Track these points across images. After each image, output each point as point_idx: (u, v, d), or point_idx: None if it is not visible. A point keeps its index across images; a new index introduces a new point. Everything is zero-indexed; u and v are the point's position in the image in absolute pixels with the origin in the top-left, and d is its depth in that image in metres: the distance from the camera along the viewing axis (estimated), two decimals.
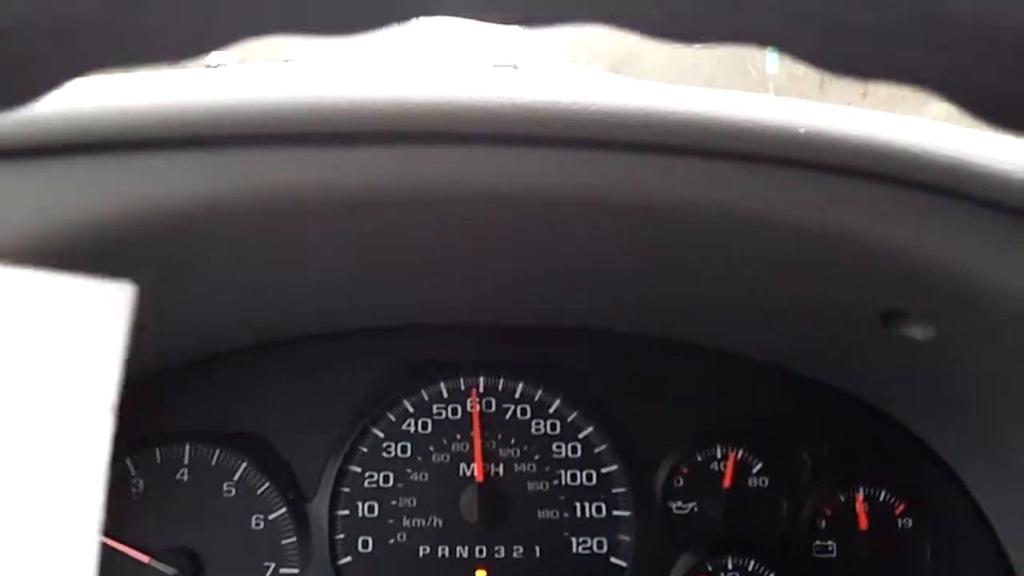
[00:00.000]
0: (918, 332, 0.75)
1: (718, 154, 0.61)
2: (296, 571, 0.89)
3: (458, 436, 0.92)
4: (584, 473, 0.92)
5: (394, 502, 0.91)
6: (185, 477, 0.90)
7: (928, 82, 0.30)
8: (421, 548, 0.90)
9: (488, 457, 0.91)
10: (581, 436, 0.93)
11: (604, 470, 0.92)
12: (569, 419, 0.93)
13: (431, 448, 0.92)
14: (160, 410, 0.91)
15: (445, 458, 0.92)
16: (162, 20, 0.27)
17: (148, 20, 0.27)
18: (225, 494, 0.90)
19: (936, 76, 0.30)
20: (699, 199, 0.63)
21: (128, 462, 0.90)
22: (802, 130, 0.62)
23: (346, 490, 0.90)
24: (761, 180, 0.63)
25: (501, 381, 0.93)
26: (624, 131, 0.61)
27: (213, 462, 0.90)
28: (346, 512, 0.90)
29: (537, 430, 0.93)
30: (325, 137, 0.61)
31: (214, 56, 0.47)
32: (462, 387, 0.93)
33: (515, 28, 0.30)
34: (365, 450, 0.91)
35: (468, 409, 0.92)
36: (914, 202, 0.64)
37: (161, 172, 0.60)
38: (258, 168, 0.60)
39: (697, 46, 0.30)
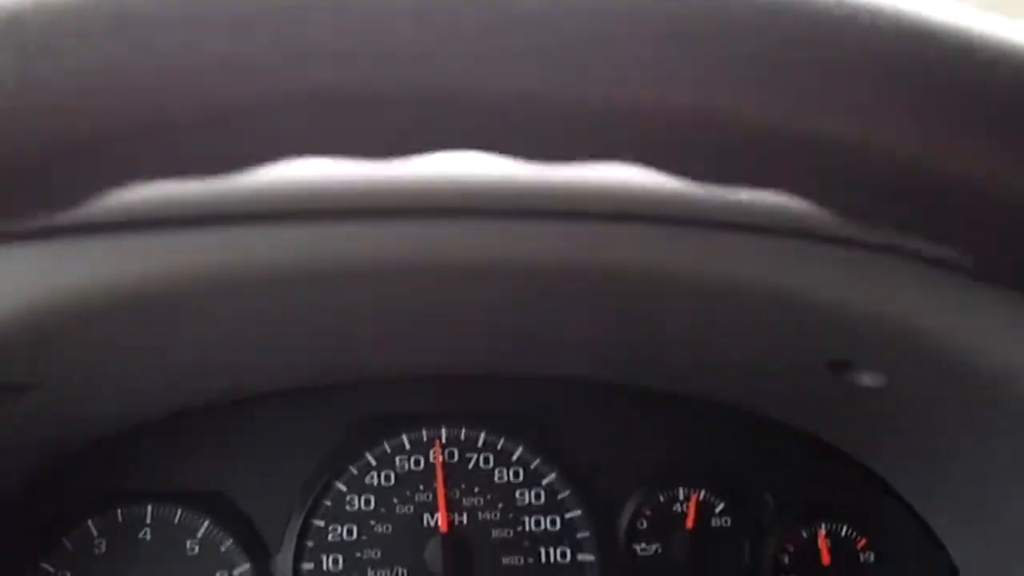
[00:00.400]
0: (867, 379, 0.76)
1: (647, 219, 0.62)
2: None
3: (421, 487, 0.92)
4: (548, 519, 0.92)
5: (359, 554, 0.91)
6: (148, 536, 0.90)
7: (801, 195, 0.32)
8: None
9: (452, 507, 0.92)
10: (544, 483, 0.93)
11: (568, 515, 0.93)
12: (532, 466, 0.93)
13: (395, 500, 0.92)
14: (121, 470, 0.91)
15: (409, 509, 0.92)
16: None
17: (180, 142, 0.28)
18: (189, 552, 0.90)
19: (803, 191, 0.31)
20: (629, 262, 0.64)
21: (90, 523, 0.90)
22: (743, 195, 0.63)
23: (310, 544, 0.90)
24: (697, 243, 0.64)
25: (463, 431, 0.94)
26: (559, 201, 0.62)
27: (176, 520, 0.90)
28: (311, 566, 0.90)
29: (500, 478, 0.93)
30: (277, 214, 0.61)
31: None
32: (424, 438, 0.93)
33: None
34: (328, 504, 0.91)
35: (431, 460, 0.93)
36: (850, 258, 0.65)
37: (99, 256, 0.60)
38: (209, 247, 0.61)
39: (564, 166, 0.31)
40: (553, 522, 0.93)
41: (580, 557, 0.92)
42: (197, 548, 0.90)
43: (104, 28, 0.25)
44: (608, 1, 0.26)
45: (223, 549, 0.90)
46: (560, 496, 0.93)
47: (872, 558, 0.93)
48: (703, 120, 0.28)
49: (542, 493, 0.93)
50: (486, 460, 0.93)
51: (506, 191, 0.62)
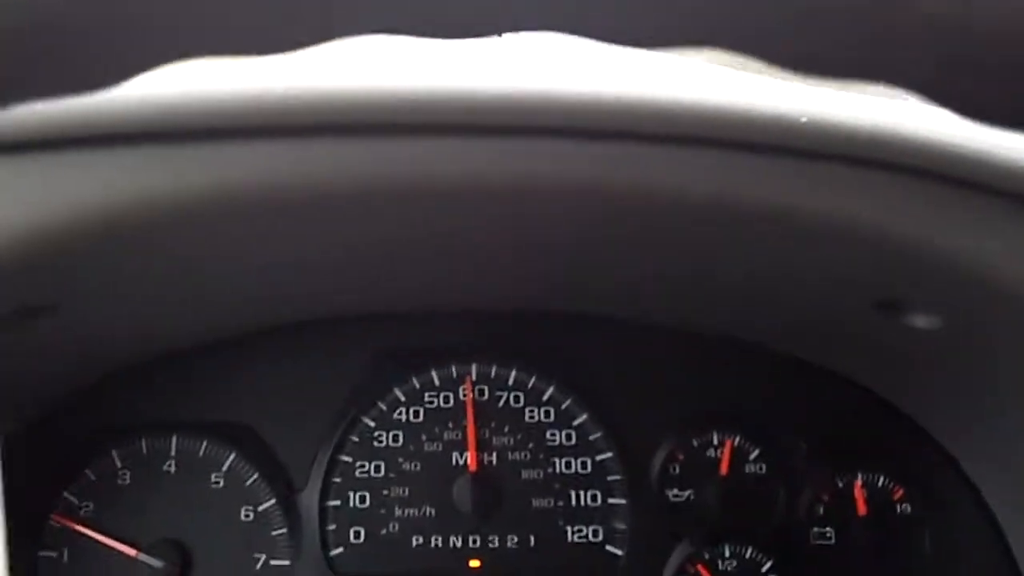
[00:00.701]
0: (922, 321, 0.73)
1: (709, 142, 0.59)
2: (287, 563, 0.88)
3: (450, 425, 0.90)
4: (579, 461, 0.91)
5: (386, 492, 0.89)
6: (172, 469, 0.89)
7: (907, 84, 0.29)
8: (414, 538, 0.89)
9: (481, 446, 0.90)
10: (575, 424, 0.91)
11: (599, 458, 0.91)
12: (563, 407, 0.91)
13: (423, 437, 0.90)
14: (146, 400, 0.90)
15: (437, 447, 0.90)
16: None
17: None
18: (213, 485, 0.89)
19: (913, 78, 0.29)
20: (691, 188, 0.61)
21: (114, 454, 0.88)
22: (803, 119, 0.60)
23: (337, 480, 0.89)
24: (754, 168, 0.61)
25: (494, 369, 0.92)
26: (610, 120, 0.59)
27: (201, 453, 0.89)
28: (337, 503, 0.89)
29: (531, 418, 0.91)
30: (305, 129, 0.59)
31: None
32: (454, 375, 0.91)
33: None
34: (356, 439, 0.90)
35: (461, 397, 0.91)
36: (914, 190, 0.62)
37: (149, 166, 0.58)
38: (238, 163, 0.58)
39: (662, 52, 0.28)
40: (584, 464, 0.91)
41: (611, 500, 0.90)
42: (222, 481, 0.89)
43: None
44: None
45: (248, 483, 0.89)
46: (592, 437, 0.91)
47: (909, 509, 0.91)
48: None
49: (573, 434, 0.91)
50: (516, 399, 0.91)
51: (546, 106, 0.59)
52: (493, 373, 0.92)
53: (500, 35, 0.28)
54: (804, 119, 0.60)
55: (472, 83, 0.59)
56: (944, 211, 0.62)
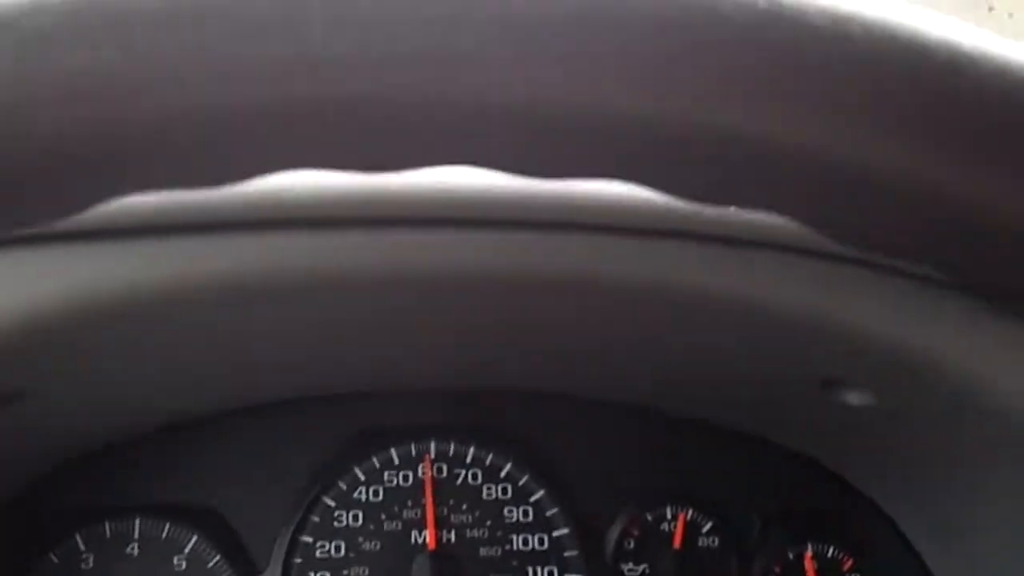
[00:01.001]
0: (855, 398, 0.76)
1: (638, 232, 0.63)
2: None
3: (409, 503, 0.92)
4: (536, 537, 0.92)
5: (346, 572, 0.90)
6: (135, 551, 0.90)
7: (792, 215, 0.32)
8: None
9: (440, 523, 0.92)
10: (532, 500, 0.93)
11: (555, 533, 0.93)
12: (520, 483, 0.94)
13: (383, 516, 0.92)
14: (108, 484, 0.91)
15: (397, 526, 0.92)
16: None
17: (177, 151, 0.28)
18: (176, 568, 0.90)
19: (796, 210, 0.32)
20: (625, 276, 0.64)
21: (77, 537, 0.89)
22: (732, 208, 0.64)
23: (298, 560, 0.90)
24: (687, 257, 0.64)
25: (452, 446, 0.94)
26: (552, 212, 0.62)
27: (163, 535, 0.90)
28: None
29: (488, 495, 0.93)
30: (276, 223, 0.62)
31: None
32: (413, 453, 0.93)
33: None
34: (317, 519, 0.91)
35: (419, 475, 0.93)
36: (846, 275, 0.65)
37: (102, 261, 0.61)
38: (215, 255, 0.61)
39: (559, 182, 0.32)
40: (541, 541, 0.93)
41: None
42: (184, 564, 0.90)
43: (96, 29, 0.25)
44: (604, 9, 0.27)
45: (210, 565, 0.90)
46: (548, 513, 0.93)
47: None
48: (700, 137, 0.28)
49: (530, 511, 0.93)
50: (475, 476, 0.94)
51: (496, 201, 0.62)
52: (451, 451, 0.94)
53: (413, 169, 0.31)
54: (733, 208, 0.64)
55: (415, 180, 0.62)
56: (879, 297, 0.65)
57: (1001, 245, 0.30)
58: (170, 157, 0.28)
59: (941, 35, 0.28)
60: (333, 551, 0.91)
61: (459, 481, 0.93)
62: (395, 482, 0.93)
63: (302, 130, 0.28)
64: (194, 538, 0.90)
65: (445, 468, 0.94)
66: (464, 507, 0.93)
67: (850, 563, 0.94)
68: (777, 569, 0.94)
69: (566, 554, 0.92)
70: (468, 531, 0.92)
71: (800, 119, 0.27)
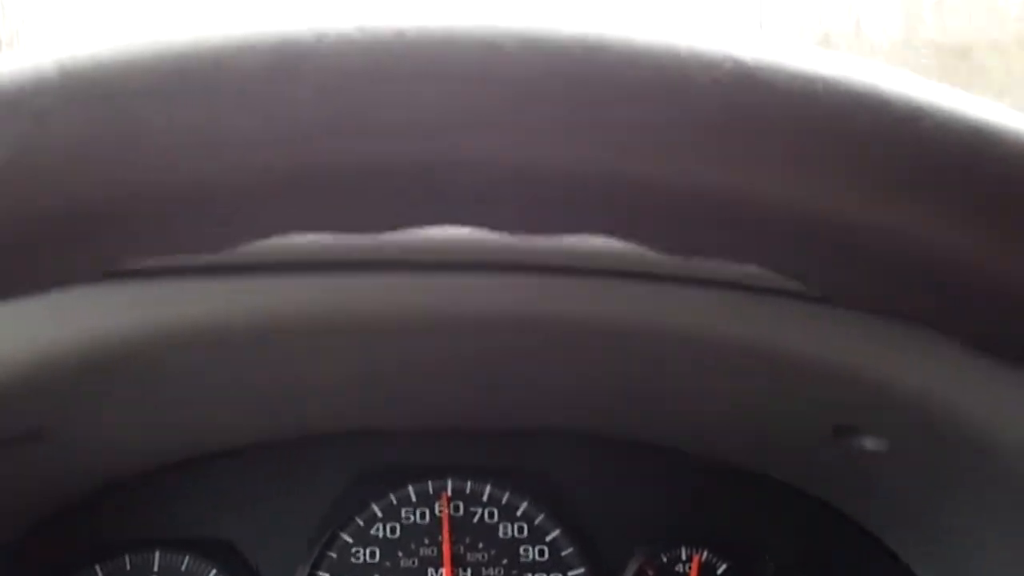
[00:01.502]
0: (870, 444, 0.77)
1: (646, 276, 0.64)
2: None
3: (426, 541, 0.93)
4: None
5: None
6: None
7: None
8: None
9: (456, 561, 0.92)
10: (548, 539, 0.94)
11: (571, 573, 0.93)
12: (536, 522, 0.94)
13: (399, 553, 0.92)
14: (129, 517, 0.92)
15: (413, 563, 0.92)
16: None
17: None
18: None
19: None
20: (637, 321, 0.65)
21: (97, 569, 0.90)
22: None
23: None
24: (708, 302, 0.65)
25: (469, 484, 0.95)
26: (561, 256, 0.64)
27: (183, 568, 0.91)
28: None
29: (505, 534, 0.94)
30: (295, 265, 0.63)
31: None
32: (430, 491, 0.94)
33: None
34: (334, 555, 0.92)
35: (436, 513, 0.93)
36: (860, 325, 0.66)
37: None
38: (210, 298, 0.63)
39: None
40: None
41: None
42: None
43: (87, 101, 0.25)
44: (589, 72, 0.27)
45: None
46: (563, 553, 0.93)
47: None
48: (686, 199, 0.29)
49: (546, 550, 0.94)
50: (491, 515, 0.94)
51: (514, 245, 0.64)
52: (468, 489, 0.95)
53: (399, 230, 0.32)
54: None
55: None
56: (893, 345, 0.66)
57: (995, 306, 0.30)
58: (169, 226, 0.28)
59: (911, 93, 0.28)
60: None
61: (476, 519, 0.94)
62: (412, 519, 0.93)
63: (301, 198, 0.28)
64: (213, 572, 0.91)
65: (462, 506, 0.94)
66: (480, 545, 0.93)
67: None
68: None
69: None
70: (484, 569, 0.93)
71: (803, 181, 0.28)
